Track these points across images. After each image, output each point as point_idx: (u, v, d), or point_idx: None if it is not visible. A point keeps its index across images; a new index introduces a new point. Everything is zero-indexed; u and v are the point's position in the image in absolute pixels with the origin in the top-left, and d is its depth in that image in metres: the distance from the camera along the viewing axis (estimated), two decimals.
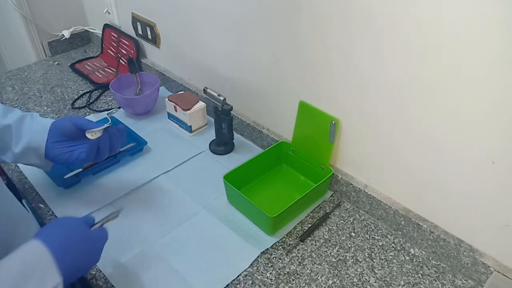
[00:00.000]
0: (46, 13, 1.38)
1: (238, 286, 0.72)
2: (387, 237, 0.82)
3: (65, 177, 0.89)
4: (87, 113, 1.14)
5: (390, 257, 0.78)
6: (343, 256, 0.78)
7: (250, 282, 0.73)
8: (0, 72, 1.37)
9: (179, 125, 1.08)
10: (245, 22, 0.90)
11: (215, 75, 1.08)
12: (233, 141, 1.03)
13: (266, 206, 0.78)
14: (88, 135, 0.72)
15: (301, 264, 0.76)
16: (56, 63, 1.40)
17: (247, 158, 0.90)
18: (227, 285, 0.72)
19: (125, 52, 1.32)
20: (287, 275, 0.74)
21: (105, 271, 0.73)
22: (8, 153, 0.73)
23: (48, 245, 0.53)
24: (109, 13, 1.34)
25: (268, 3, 0.82)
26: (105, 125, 0.73)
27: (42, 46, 1.43)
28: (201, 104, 1.04)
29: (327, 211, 0.87)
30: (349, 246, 0.80)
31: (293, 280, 0.73)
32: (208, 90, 0.96)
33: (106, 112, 0.78)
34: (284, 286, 0.72)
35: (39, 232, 0.56)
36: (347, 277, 0.74)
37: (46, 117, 0.80)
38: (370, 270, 0.76)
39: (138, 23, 1.25)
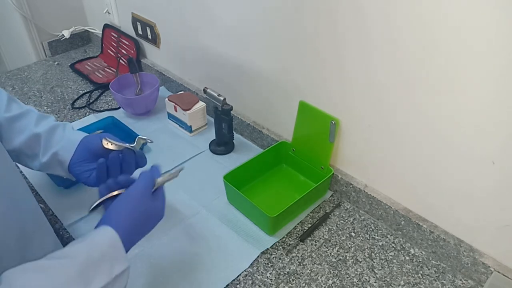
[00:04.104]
0: (46, 13, 1.38)
1: (238, 286, 0.72)
2: (387, 237, 0.82)
3: (65, 176, 0.89)
4: (87, 113, 1.14)
5: (390, 257, 0.78)
6: (343, 256, 0.78)
7: (250, 282, 0.73)
8: (0, 72, 1.37)
9: (179, 125, 1.08)
10: (245, 22, 0.90)
11: (215, 75, 1.08)
12: (233, 141, 1.03)
13: (266, 206, 0.78)
14: (104, 143, 0.68)
15: (301, 264, 0.76)
16: (56, 63, 1.40)
17: (247, 158, 0.90)
18: (227, 285, 0.72)
19: (125, 52, 1.32)
20: (287, 275, 0.74)
21: None
22: (35, 161, 0.72)
23: (119, 232, 0.54)
24: (109, 13, 1.34)
25: (269, 4, 0.82)
26: (127, 145, 0.69)
27: (42, 46, 1.43)
28: (201, 104, 1.04)
29: (327, 211, 0.87)
30: (349, 246, 0.80)
31: (293, 280, 0.73)
32: (208, 90, 0.96)
33: (140, 136, 0.73)
34: (284, 286, 0.72)
35: (109, 216, 0.56)
36: (347, 277, 0.74)
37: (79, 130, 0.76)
38: (370, 270, 0.76)
39: (138, 23, 1.25)
